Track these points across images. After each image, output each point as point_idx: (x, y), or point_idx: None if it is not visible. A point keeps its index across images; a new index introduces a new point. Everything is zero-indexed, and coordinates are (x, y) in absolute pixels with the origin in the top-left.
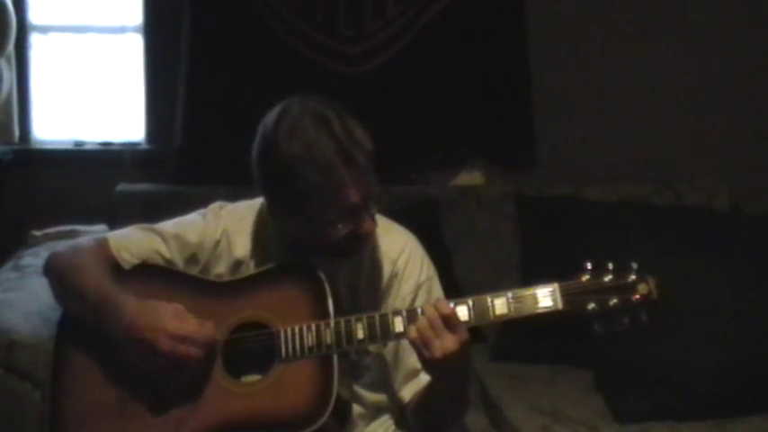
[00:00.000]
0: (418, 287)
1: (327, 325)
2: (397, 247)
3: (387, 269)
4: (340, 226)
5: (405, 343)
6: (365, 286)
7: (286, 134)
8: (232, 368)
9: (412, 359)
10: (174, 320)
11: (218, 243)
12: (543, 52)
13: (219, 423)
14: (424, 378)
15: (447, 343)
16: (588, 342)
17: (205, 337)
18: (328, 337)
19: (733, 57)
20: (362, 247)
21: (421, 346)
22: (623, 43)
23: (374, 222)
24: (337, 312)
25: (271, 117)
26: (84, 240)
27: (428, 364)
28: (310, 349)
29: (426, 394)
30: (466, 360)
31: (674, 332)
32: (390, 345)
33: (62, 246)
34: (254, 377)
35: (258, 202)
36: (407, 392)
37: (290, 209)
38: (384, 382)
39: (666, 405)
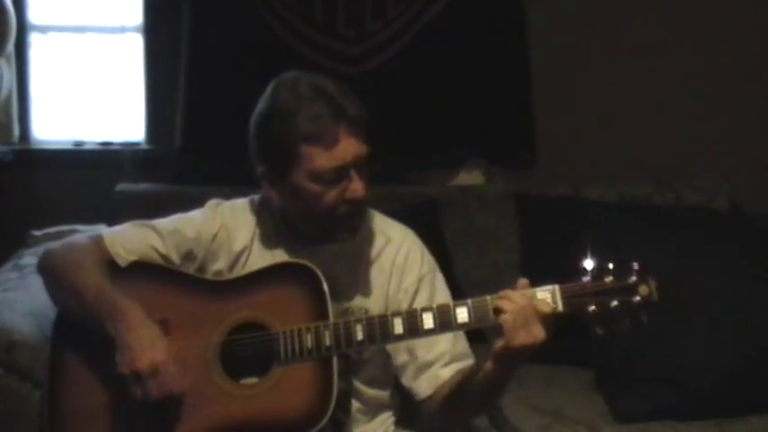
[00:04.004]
0: (420, 279)
1: (326, 326)
2: (396, 241)
3: (387, 264)
4: (329, 181)
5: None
6: (364, 283)
7: (282, 92)
8: (230, 370)
9: (422, 351)
10: (143, 356)
11: (215, 237)
12: (543, 52)
13: (218, 426)
14: (443, 373)
15: (538, 331)
16: (588, 342)
17: (163, 393)
18: (327, 339)
19: (733, 57)
20: (355, 218)
21: (513, 329)
22: (623, 43)
23: (365, 188)
24: (336, 311)
25: (269, 86)
26: (78, 237)
27: (505, 348)
28: (309, 351)
29: (471, 382)
30: (530, 355)
31: (674, 332)
32: (402, 342)
33: (56, 243)
34: (253, 379)
35: (254, 197)
36: (424, 387)
37: (282, 171)
38: (384, 378)
39: (666, 405)
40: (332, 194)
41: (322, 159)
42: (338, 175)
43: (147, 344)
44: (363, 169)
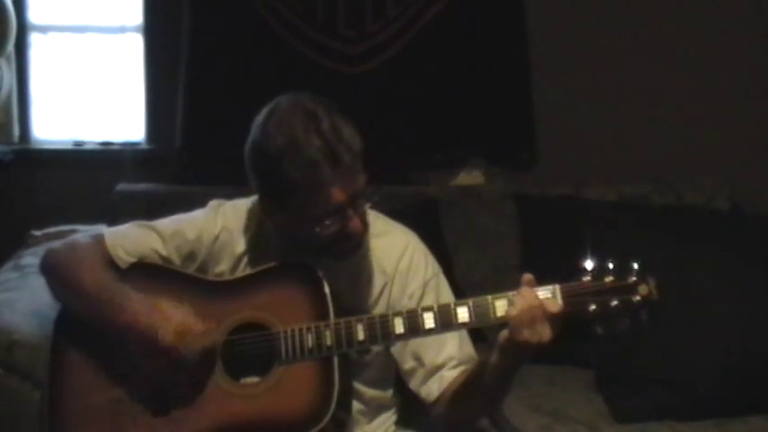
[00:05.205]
0: (425, 283)
1: (327, 326)
2: (400, 246)
3: (389, 268)
4: (327, 223)
5: (423, 340)
6: (366, 285)
7: (274, 129)
8: (231, 369)
9: (430, 355)
10: (178, 320)
11: (216, 239)
12: (543, 52)
13: (219, 425)
14: (450, 374)
15: (544, 332)
16: (588, 342)
17: (206, 344)
18: (328, 339)
19: (733, 57)
20: (353, 247)
21: (518, 326)
22: (623, 43)
23: (362, 222)
24: (338, 312)
25: (262, 113)
26: (80, 237)
27: (509, 341)
28: (310, 351)
29: (477, 377)
30: (534, 351)
31: (674, 332)
32: (409, 346)
33: (58, 243)
34: (254, 379)
35: (256, 198)
36: (433, 389)
37: (278, 204)
38: (385, 379)
39: (666, 405)
40: (328, 232)
41: (315, 209)
42: (335, 216)
43: (162, 318)
44: (360, 201)
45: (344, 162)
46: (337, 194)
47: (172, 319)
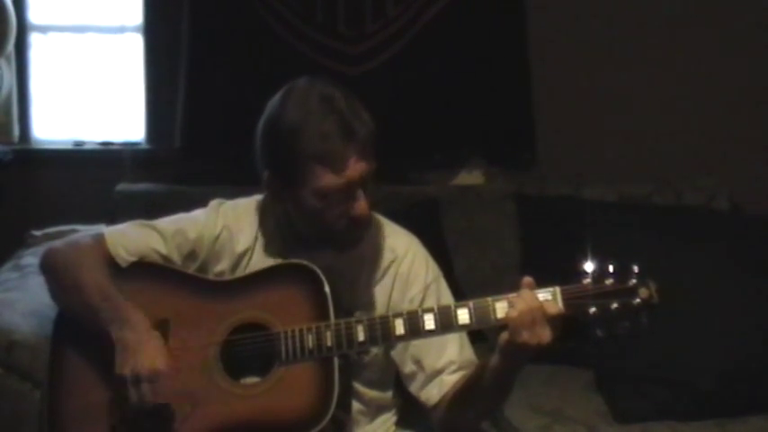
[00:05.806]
0: (426, 288)
1: (327, 327)
2: (401, 248)
3: (390, 271)
4: (335, 200)
5: (424, 345)
6: (366, 287)
7: (291, 104)
8: (231, 370)
9: (430, 360)
10: (144, 360)
11: (217, 238)
12: (543, 52)
13: (219, 425)
14: (448, 378)
15: (543, 334)
16: (588, 343)
17: (157, 393)
18: (328, 340)
19: (733, 57)
20: (356, 237)
21: (518, 328)
22: (624, 43)
23: (369, 206)
24: (338, 313)
25: (277, 94)
26: (80, 236)
27: (509, 343)
28: (310, 351)
29: (477, 380)
30: (534, 354)
31: (673, 332)
32: (410, 351)
33: (59, 241)
34: (254, 379)
35: (257, 198)
36: (433, 394)
37: (287, 182)
38: (385, 379)
39: (666, 405)
40: (335, 212)
41: (329, 179)
42: (344, 194)
43: (150, 349)
44: (368, 186)
45: (359, 136)
46: (350, 167)
47: (145, 360)
